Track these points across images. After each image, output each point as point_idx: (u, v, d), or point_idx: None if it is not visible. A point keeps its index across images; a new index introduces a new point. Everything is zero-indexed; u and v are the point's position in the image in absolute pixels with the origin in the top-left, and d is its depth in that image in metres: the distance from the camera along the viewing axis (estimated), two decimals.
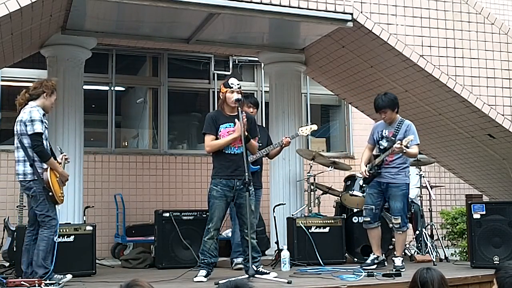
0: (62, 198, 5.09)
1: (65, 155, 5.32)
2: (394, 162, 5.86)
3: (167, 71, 9.05)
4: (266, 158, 6.89)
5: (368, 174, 5.92)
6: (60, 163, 5.18)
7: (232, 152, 5.29)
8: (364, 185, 6.29)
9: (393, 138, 5.85)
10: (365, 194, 6.15)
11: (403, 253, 7.01)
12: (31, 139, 4.91)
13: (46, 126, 5.06)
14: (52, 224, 4.95)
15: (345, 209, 7.11)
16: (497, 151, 7.33)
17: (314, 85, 9.34)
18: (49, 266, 4.88)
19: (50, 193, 4.90)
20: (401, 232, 5.91)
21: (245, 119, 5.23)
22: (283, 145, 6.41)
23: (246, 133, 5.27)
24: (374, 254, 5.88)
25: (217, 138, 5.33)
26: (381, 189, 5.91)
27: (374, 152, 6.07)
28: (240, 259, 6.21)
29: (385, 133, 5.94)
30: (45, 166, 4.96)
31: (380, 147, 5.94)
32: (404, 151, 5.73)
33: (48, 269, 4.85)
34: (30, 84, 8.10)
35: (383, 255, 6.16)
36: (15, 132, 5.06)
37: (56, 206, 5.09)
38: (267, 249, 7.88)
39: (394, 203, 5.85)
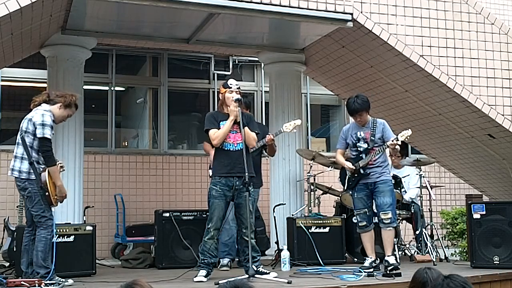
0: (57, 201, 5.05)
1: (60, 163, 5.28)
2: (377, 161, 5.78)
3: (167, 71, 9.06)
4: (267, 158, 6.90)
5: (354, 174, 5.84)
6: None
7: (231, 149, 5.28)
8: (347, 189, 6.15)
9: (373, 138, 5.78)
10: (352, 198, 5.97)
11: (403, 254, 7.03)
12: (40, 143, 4.90)
13: (53, 133, 5.05)
14: (48, 224, 4.93)
15: (345, 209, 7.10)
16: (497, 151, 7.33)
17: (314, 85, 9.34)
18: (50, 265, 4.87)
19: (47, 193, 4.89)
20: (390, 228, 5.71)
21: (236, 100, 5.24)
22: (267, 143, 6.36)
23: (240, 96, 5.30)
24: (371, 258, 5.83)
25: None
26: (369, 190, 5.80)
27: (351, 156, 5.99)
28: (226, 260, 6.22)
29: (360, 135, 5.83)
30: (42, 167, 4.96)
31: (360, 149, 5.83)
32: (397, 147, 5.73)
33: (49, 268, 4.85)
34: (30, 84, 8.11)
35: (382, 255, 6.14)
36: (20, 128, 5.04)
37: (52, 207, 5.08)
38: (267, 249, 7.88)
39: (383, 198, 5.69)
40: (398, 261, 5.90)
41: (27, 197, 4.94)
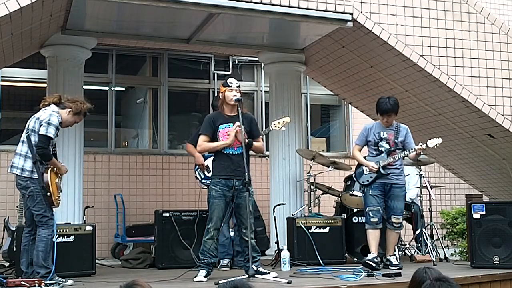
0: (58, 202, 5.05)
1: (62, 165, 5.29)
2: (396, 163, 5.99)
3: (167, 71, 9.06)
4: (267, 158, 6.89)
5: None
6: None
7: (231, 153, 5.29)
8: (363, 187, 6.23)
9: (396, 141, 5.98)
10: (365, 195, 6.09)
11: (403, 254, 7.05)
12: (39, 139, 4.90)
13: (57, 135, 5.06)
14: (50, 224, 4.93)
15: (345, 209, 7.11)
16: (497, 151, 7.33)
17: (314, 85, 9.34)
18: (50, 265, 4.88)
19: (48, 193, 4.89)
20: (398, 231, 6.10)
21: (239, 126, 5.21)
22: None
23: (247, 140, 5.27)
24: (373, 254, 5.89)
25: (214, 139, 5.33)
26: (384, 190, 5.98)
27: (370, 154, 6.10)
28: (226, 260, 6.22)
29: (383, 135, 6.03)
30: (45, 167, 4.96)
31: (381, 148, 6.03)
32: (422, 153, 5.90)
33: (49, 268, 4.85)
34: (30, 84, 8.09)
35: (383, 255, 6.17)
36: (26, 127, 5.05)
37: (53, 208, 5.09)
38: (267, 249, 7.88)
39: (398, 203, 5.98)
40: (399, 261, 6.06)
41: (29, 196, 4.93)
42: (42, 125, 4.90)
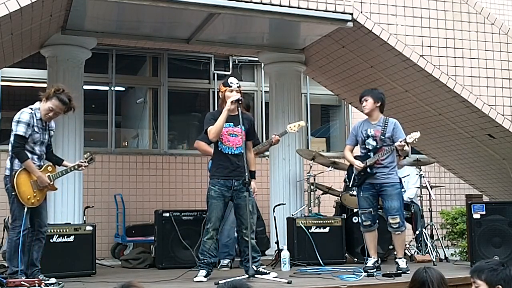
0: (32, 201, 4.86)
1: (81, 161, 5.24)
2: (385, 161, 5.74)
3: (167, 71, 9.06)
4: (267, 158, 6.89)
5: (361, 172, 5.81)
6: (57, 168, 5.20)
7: (230, 153, 5.28)
8: (352, 188, 6.19)
9: (382, 137, 5.74)
10: (357, 197, 5.95)
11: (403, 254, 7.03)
12: (13, 139, 4.88)
13: (37, 131, 4.93)
14: (15, 225, 4.81)
15: (345, 209, 7.11)
16: (497, 151, 7.33)
17: (314, 85, 9.34)
18: (16, 267, 4.74)
19: (13, 193, 4.81)
20: (399, 232, 5.74)
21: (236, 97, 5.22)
22: (273, 143, 6.37)
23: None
24: (373, 258, 5.79)
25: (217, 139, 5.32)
26: (375, 190, 5.78)
27: (360, 153, 5.97)
28: (226, 261, 6.22)
29: (371, 132, 5.80)
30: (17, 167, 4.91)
31: (368, 146, 5.81)
32: (406, 148, 5.72)
33: (16, 269, 4.74)
34: (30, 84, 8.07)
35: (383, 255, 6.15)
36: None
37: (32, 207, 4.93)
38: (267, 249, 7.88)
39: (391, 202, 5.69)
40: (407, 265, 5.75)
41: (7, 193, 4.91)
42: (13, 124, 4.90)
